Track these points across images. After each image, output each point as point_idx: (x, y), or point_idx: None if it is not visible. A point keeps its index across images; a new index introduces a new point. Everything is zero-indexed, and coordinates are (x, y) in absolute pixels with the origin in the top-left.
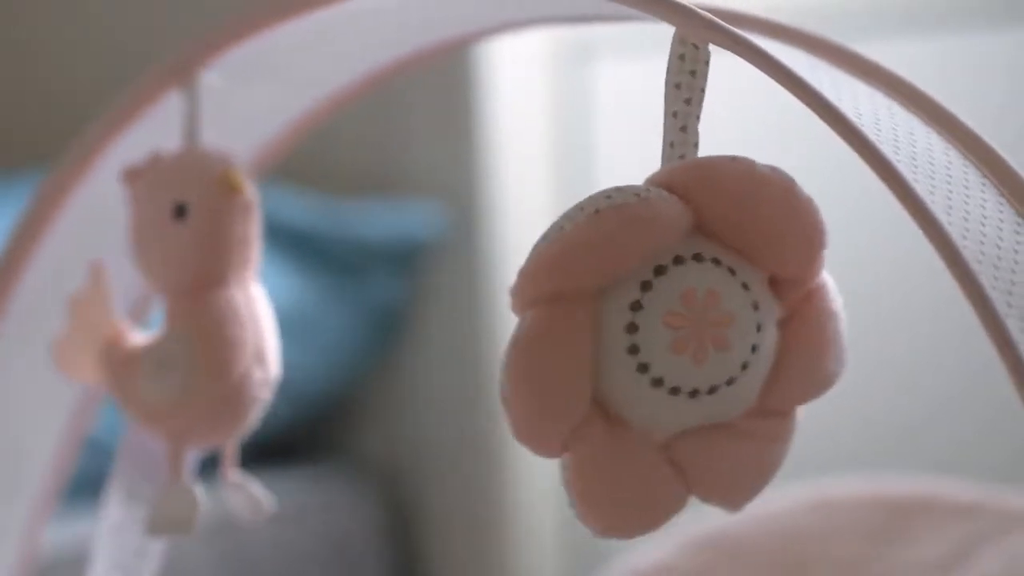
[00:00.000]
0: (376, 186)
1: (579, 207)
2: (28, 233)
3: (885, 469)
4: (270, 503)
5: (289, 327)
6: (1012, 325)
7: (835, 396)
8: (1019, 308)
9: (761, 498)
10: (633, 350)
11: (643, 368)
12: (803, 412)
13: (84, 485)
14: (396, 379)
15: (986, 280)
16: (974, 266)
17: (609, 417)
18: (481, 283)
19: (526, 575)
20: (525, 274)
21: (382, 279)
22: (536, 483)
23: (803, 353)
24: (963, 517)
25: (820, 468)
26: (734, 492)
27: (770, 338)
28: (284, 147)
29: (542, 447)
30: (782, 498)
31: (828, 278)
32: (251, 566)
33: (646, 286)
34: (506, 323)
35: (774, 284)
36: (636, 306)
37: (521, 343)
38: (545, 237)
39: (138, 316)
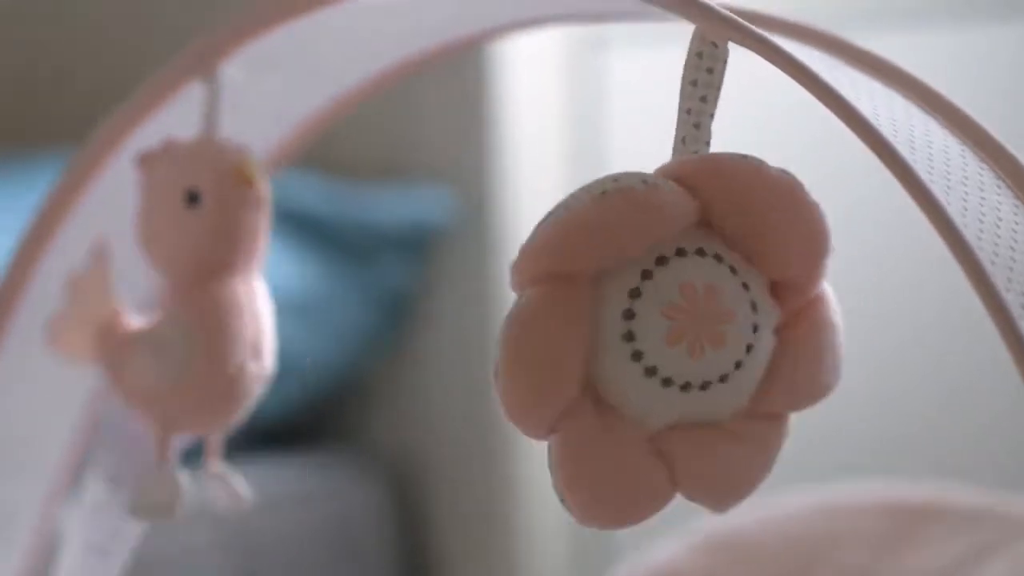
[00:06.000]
0: (387, 171)
1: (585, 188)
2: (47, 221)
3: (894, 474)
4: (249, 496)
5: (298, 311)
6: None
7: (845, 400)
8: None
9: (770, 502)
10: (629, 337)
11: (637, 356)
12: (794, 420)
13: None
14: (405, 365)
15: (1000, 281)
16: (988, 267)
17: (600, 403)
18: (491, 270)
19: (533, 565)
20: (526, 252)
21: (392, 264)
22: (544, 472)
23: (798, 361)
24: (971, 524)
25: (830, 472)
26: (720, 493)
27: (766, 341)
28: (300, 143)
29: (530, 427)
30: (792, 502)
31: (829, 289)
32: (257, 551)
33: (646, 274)
34: None
35: (775, 289)
36: (635, 293)
37: (516, 321)
38: (548, 216)
39: (152, 305)
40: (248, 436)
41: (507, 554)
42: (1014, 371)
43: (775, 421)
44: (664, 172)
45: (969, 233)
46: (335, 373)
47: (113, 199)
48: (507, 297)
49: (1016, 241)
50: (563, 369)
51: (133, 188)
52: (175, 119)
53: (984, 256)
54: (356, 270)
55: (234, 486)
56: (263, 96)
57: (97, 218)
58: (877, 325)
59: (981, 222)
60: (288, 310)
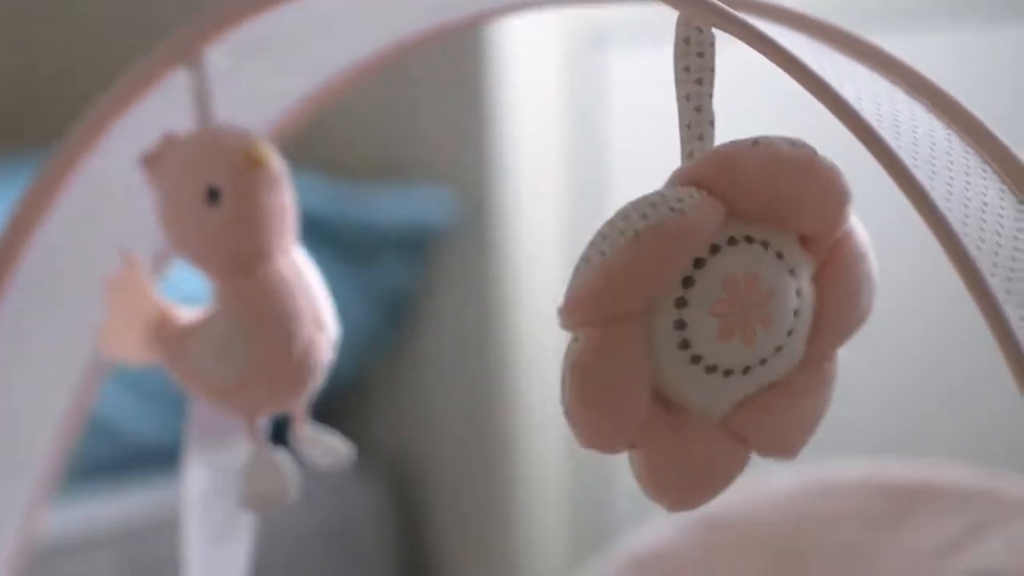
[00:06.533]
0: (387, 171)
1: (618, 229)
2: (31, 211)
3: (887, 454)
4: (348, 451)
5: None
6: (1010, 312)
7: (841, 385)
8: (1018, 295)
9: (765, 480)
10: (684, 344)
11: (696, 359)
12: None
13: (86, 467)
14: (405, 364)
15: (985, 267)
16: (973, 252)
17: (669, 406)
18: (491, 269)
19: (533, 565)
20: (572, 300)
21: (392, 264)
22: (543, 469)
23: (838, 298)
24: (965, 503)
25: (822, 452)
26: (789, 444)
27: (808, 297)
28: (290, 128)
29: (608, 450)
30: (783, 481)
31: (856, 222)
32: (256, 551)
33: (688, 282)
34: (516, 310)
35: (805, 240)
36: (681, 303)
37: (579, 364)
38: (586, 261)
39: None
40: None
41: (507, 554)
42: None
43: (827, 361)
44: (680, 181)
45: (954, 218)
46: (335, 373)
47: (100, 189)
48: (507, 297)
49: (1002, 226)
50: (632, 400)
51: (122, 178)
52: (162, 107)
53: (969, 241)
54: (356, 270)
55: (330, 444)
56: (251, 83)
57: (83, 209)
58: (878, 315)
59: (966, 207)
60: None
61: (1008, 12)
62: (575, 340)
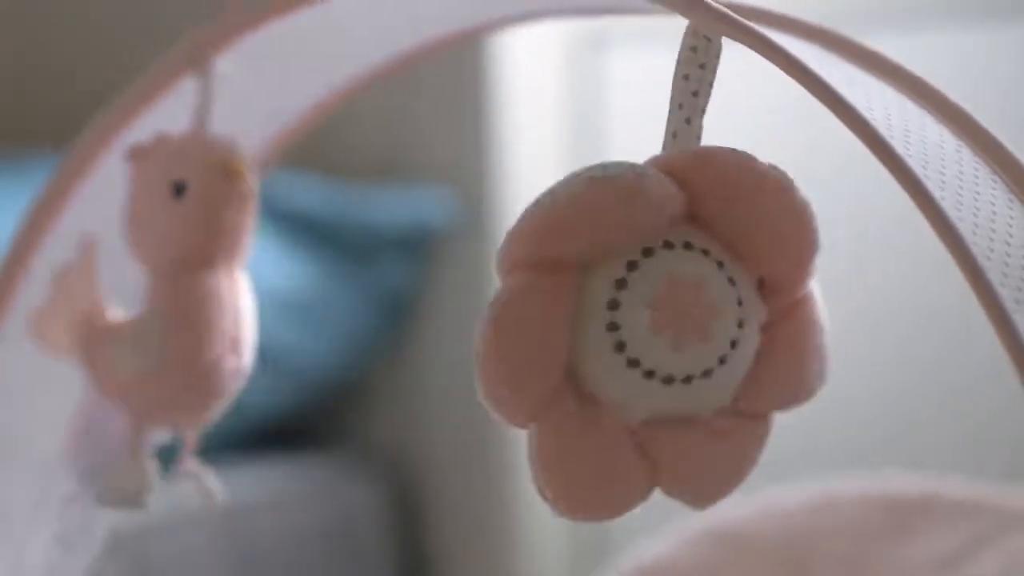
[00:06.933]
0: (387, 172)
1: (573, 176)
2: (41, 217)
3: (889, 467)
4: (222, 495)
5: (298, 312)
6: (1020, 321)
7: (841, 393)
8: None
9: (767, 495)
10: (612, 327)
11: (620, 347)
12: (792, 416)
13: None
14: (404, 365)
15: (995, 277)
16: (983, 263)
17: (581, 394)
18: (491, 271)
19: (533, 565)
20: (512, 237)
21: (392, 265)
22: None
23: (784, 359)
24: (965, 516)
25: (824, 465)
26: (700, 490)
27: (751, 338)
28: (295, 136)
29: (511, 413)
30: (786, 495)
31: (816, 290)
32: (256, 551)
33: (632, 265)
34: None
35: (762, 287)
36: (620, 284)
37: (499, 306)
38: (536, 203)
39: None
40: (248, 436)
41: (507, 554)
42: (1012, 366)
43: (759, 420)
44: (655, 164)
45: (964, 228)
46: (334, 373)
47: (107, 195)
48: None
49: (1011, 236)
50: (544, 355)
51: (126, 184)
52: (172, 115)
53: (979, 251)
54: (355, 270)
55: (207, 484)
56: (258, 90)
57: (90, 214)
58: (876, 319)
59: (976, 216)
60: (288, 310)
61: (1008, 12)
62: (503, 284)
